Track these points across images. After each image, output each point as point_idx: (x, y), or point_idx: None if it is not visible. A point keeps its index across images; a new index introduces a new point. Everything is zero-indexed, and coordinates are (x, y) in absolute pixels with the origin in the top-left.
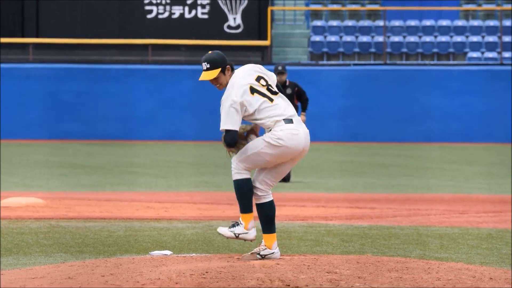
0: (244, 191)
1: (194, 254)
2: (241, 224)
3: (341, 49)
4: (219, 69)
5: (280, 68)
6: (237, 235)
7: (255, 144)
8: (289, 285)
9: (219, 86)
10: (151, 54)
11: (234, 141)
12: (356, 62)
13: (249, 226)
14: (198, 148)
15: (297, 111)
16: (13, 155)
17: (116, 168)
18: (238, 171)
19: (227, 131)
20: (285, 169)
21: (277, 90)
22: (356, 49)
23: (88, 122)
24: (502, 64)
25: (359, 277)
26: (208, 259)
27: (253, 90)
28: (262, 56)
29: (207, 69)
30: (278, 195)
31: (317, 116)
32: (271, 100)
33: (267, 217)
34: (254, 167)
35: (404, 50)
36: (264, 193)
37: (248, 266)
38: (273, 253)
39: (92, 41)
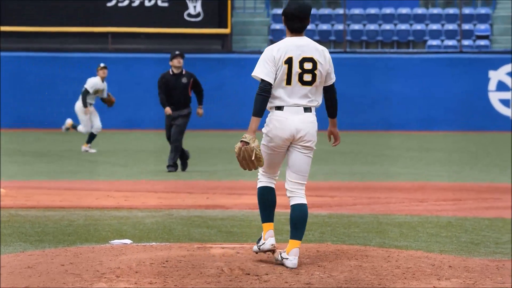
0: (259, 200)
1: (154, 243)
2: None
3: None
4: None
5: (177, 52)
6: (259, 247)
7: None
8: (249, 274)
9: None
10: (111, 42)
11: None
12: None
13: (266, 236)
14: (158, 136)
15: (190, 103)
16: None
17: (76, 156)
18: (258, 179)
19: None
20: (295, 162)
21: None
22: (316, 37)
23: (49, 110)
24: (461, 52)
25: (319, 266)
26: (168, 248)
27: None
28: (223, 44)
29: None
30: (239, 183)
31: None
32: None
33: (291, 221)
34: (267, 166)
35: (364, 38)
36: (290, 193)
37: (208, 255)
38: (286, 259)
39: (53, 29)
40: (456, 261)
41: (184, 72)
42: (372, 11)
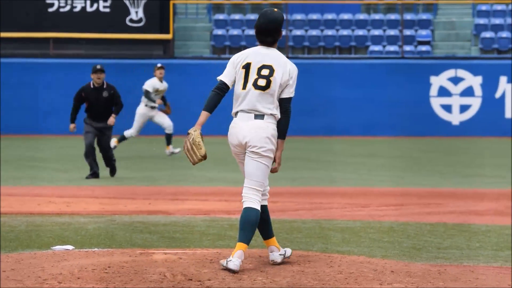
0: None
1: (96, 249)
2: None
3: (243, 43)
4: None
5: (99, 66)
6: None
7: None
8: (191, 279)
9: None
10: (53, 47)
11: None
12: None
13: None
14: None
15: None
16: None
17: (18, 162)
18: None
19: None
20: (246, 168)
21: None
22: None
23: None
24: (403, 58)
25: (261, 271)
26: (110, 254)
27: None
28: (164, 49)
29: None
30: (182, 189)
31: (219, 109)
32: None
33: (239, 224)
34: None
35: (306, 43)
36: (242, 197)
37: (150, 261)
38: (230, 260)
39: None
40: (398, 266)
41: (105, 86)
42: (314, 16)
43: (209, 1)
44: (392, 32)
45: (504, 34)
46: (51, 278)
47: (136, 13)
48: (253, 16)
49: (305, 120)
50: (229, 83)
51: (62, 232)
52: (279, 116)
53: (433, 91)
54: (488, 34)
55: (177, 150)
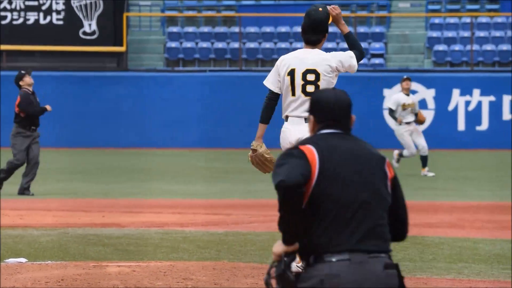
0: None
1: (49, 262)
2: None
3: (197, 55)
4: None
5: (23, 71)
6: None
7: None
8: None
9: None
10: (6, 60)
11: None
12: (212, 68)
13: None
14: (57, 153)
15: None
16: None
17: None
18: None
19: None
20: None
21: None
22: (212, 55)
23: None
24: (356, 70)
25: (215, 284)
26: (63, 267)
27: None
28: (118, 62)
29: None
30: (136, 201)
31: (174, 122)
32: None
33: None
34: None
35: (260, 56)
36: None
37: (104, 274)
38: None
39: None
40: None
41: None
42: (268, 29)
43: (162, 14)
44: (345, 45)
45: (457, 47)
46: None
47: (90, 25)
48: (207, 29)
49: (256, 131)
50: (276, 89)
51: (15, 245)
52: None
53: (386, 103)
54: (441, 47)
55: (431, 174)
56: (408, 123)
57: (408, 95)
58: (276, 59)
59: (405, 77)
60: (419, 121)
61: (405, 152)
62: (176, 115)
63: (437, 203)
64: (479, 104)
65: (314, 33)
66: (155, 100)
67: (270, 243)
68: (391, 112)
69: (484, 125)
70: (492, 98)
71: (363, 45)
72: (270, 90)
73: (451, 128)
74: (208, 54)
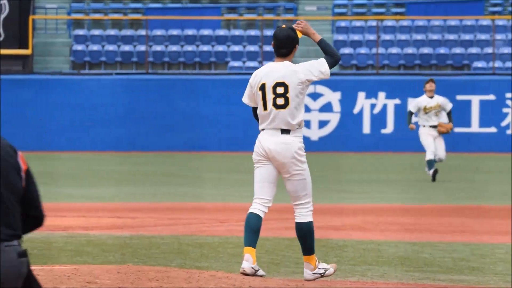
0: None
1: None
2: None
3: (103, 58)
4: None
5: None
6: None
7: None
8: None
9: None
10: None
11: None
12: (118, 71)
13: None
14: None
15: None
16: None
17: None
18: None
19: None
20: (289, 188)
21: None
22: (118, 58)
23: None
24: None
25: (120, 287)
26: None
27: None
28: (23, 65)
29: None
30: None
31: (79, 125)
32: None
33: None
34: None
35: (166, 59)
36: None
37: None
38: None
39: None
40: (256, 281)
41: None
42: (174, 32)
43: (69, 17)
44: (252, 48)
45: (363, 50)
46: None
47: None
48: (113, 32)
49: (165, 135)
50: (252, 104)
51: None
52: (303, 122)
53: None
54: (347, 50)
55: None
56: (433, 126)
57: (432, 97)
58: (184, 62)
59: (427, 79)
60: (439, 131)
61: (428, 155)
62: (82, 118)
63: (341, 206)
64: (384, 107)
65: (281, 46)
66: (61, 103)
67: (175, 246)
68: (410, 115)
69: (389, 128)
70: (397, 101)
71: (270, 48)
72: (249, 105)
73: (356, 131)
74: (115, 57)
